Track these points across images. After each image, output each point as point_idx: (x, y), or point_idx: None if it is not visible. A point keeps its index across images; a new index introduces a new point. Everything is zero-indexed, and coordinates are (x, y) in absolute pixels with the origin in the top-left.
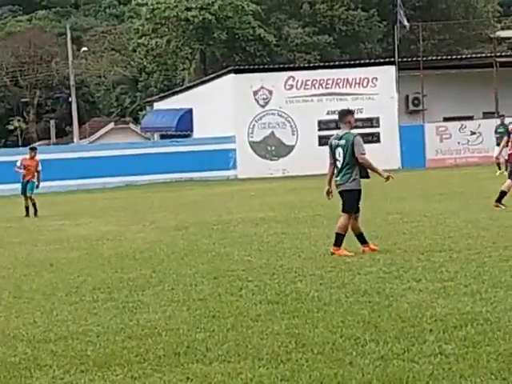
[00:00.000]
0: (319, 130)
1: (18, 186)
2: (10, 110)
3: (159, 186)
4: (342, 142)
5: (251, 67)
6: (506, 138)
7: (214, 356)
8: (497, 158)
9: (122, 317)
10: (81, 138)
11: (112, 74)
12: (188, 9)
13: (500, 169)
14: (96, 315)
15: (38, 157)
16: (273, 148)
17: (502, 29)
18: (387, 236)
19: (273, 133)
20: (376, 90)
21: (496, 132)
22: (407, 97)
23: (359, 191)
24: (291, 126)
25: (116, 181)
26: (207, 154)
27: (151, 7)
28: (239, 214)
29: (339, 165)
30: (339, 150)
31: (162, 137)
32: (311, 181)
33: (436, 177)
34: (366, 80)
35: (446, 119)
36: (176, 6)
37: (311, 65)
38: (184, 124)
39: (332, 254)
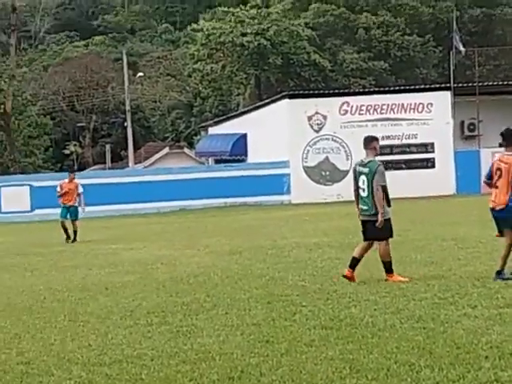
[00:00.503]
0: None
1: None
2: (67, 134)
3: (213, 211)
4: (366, 169)
5: (306, 92)
6: None
7: (268, 381)
8: None
9: (176, 341)
10: (136, 163)
11: (167, 99)
12: (243, 34)
13: None
14: (150, 339)
15: (77, 180)
16: (327, 173)
17: None
18: (442, 262)
19: (327, 158)
20: (431, 116)
21: None
22: (463, 122)
23: (388, 220)
24: (345, 151)
25: (170, 205)
26: (261, 178)
27: (206, 33)
28: (293, 238)
29: (363, 193)
30: (363, 178)
31: (217, 161)
32: None
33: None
34: (421, 105)
35: (501, 145)
36: (231, 32)
37: (366, 90)
38: (238, 149)
39: (386, 280)
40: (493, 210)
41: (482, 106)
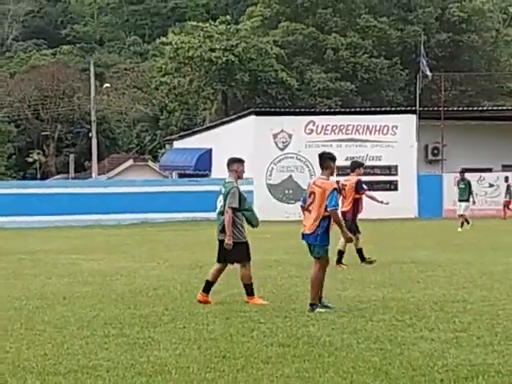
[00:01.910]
0: (337, 175)
1: (34, 218)
2: (31, 142)
3: (175, 225)
4: (223, 189)
5: (272, 110)
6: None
7: None
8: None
9: (133, 353)
10: (99, 174)
11: (133, 111)
12: (212, 50)
13: (468, 223)
14: (107, 350)
15: None
16: (290, 191)
17: None
18: (401, 284)
19: (291, 176)
20: (396, 138)
21: (458, 187)
22: (427, 146)
23: (244, 243)
24: (309, 170)
25: (132, 217)
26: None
27: (175, 46)
28: (253, 255)
29: (216, 212)
30: (220, 198)
31: (181, 175)
32: None
33: (452, 227)
34: (386, 127)
35: (464, 170)
36: (200, 47)
37: (332, 110)
38: (203, 164)
39: (247, 302)
40: (303, 234)
41: (446, 130)
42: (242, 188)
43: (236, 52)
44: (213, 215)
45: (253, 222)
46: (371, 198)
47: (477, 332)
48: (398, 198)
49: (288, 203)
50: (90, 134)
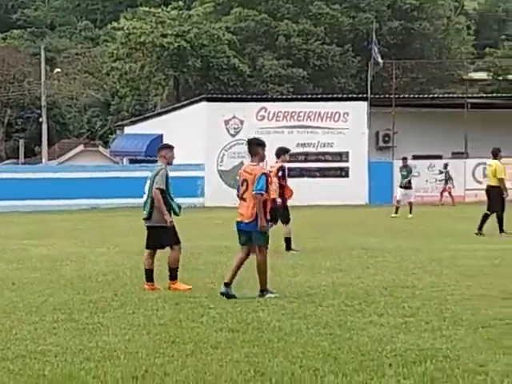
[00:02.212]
0: (288, 161)
1: None
2: None
3: (126, 210)
4: (152, 174)
5: (224, 96)
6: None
7: (172, 381)
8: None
9: (82, 338)
10: (50, 159)
11: (84, 97)
12: (163, 35)
13: (396, 212)
14: (55, 335)
15: None
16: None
17: (475, 70)
18: (351, 269)
19: (242, 162)
20: (347, 125)
21: (400, 174)
22: (377, 133)
23: (170, 227)
24: None
25: (83, 203)
26: (175, 180)
27: (127, 32)
28: (204, 241)
29: (145, 197)
30: (148, 183)
31: (131, 161)
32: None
33: (402, 214)
34: (337, 114)
35: (415, 157)
36: (152, 32)
37: (284, 97)
38: (154, 149)
39: (169, 288)
40: (240, 223)
41: (397, 117)
42: (194, 173)
43: (188, 38)
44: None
45: (176, 209)
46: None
47: (425, 317)
48: (349, 184)
49: None
50: (41, 119)
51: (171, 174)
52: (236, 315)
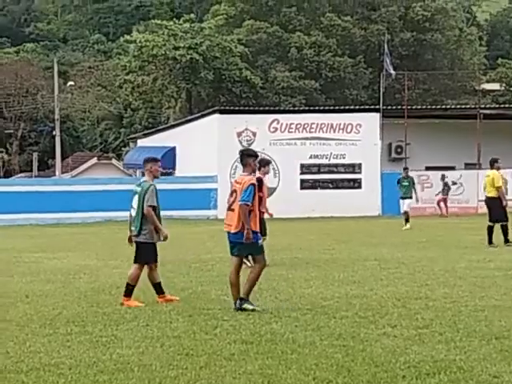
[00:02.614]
0: (301, 173)
1: None
2: None
3: None
4: (139, 189)
5: (236, 108)
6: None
7: None
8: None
9: (95, 351)
10: (63, 172)
11: (97, 110)
12: (176, 48)
13: (408, 222)
14: (69, 348)
15: None
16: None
17: (487, 81)
18: (364, 281)
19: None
20: (359, 137)
21: (401, 185)
22: (390, 144)
23: (154, 244)
24: (274, 169)
25: (96, 215)
26: (188, 192)
27: (139, 45)
28: (218, 253)
29: (133, 213)
30: (135, 198)
31: (144, 174)
32: (292, 224)
33: (415, 225)
34: (349, 126)
35: (427, 168)
36: (164, 45)
37: (296, 108)
38: (167, 162)
39: (122, 304)
40: (229, 233)
41: (409, 128)
42: (207, 185)
43: (200, 50)
44: (176, 213)
45: None
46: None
47: (439, 328)
48: (362, 195)
49: None
50: (54, 133)
51: (184, 186)
52: (249, 327)
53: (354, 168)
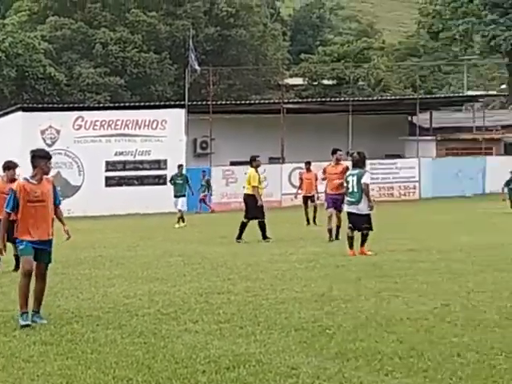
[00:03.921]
0: (106, 170)
1: None
2: None
3: None
4: None
5: (40, 106)
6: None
7: None
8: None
9: None
10: None
11: None
12: None
13: (184, 221)
14: None
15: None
16: (59, 188)
17: (291, 76)
18: (167, 278)
19: (59, 173)
20: (165, 133)
21: (175, 182)
22: (195, 140)
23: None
24: (78, 167)
25: None
26: None
27: None
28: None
29: None
30: None
31: None
32: (96, 221)
33: (220, 220)
34: (155, 122)
35: (232, 163)
36: None
37: (101, 105)
38: None
39: None
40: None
41: (215, 124)
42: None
43: (2, 47)
44: None
45: None
46: None
47: (240, 322)
48: (168, 191)
49: None
50: None
51: None
52: (50, 328)
53: (160, 164)
